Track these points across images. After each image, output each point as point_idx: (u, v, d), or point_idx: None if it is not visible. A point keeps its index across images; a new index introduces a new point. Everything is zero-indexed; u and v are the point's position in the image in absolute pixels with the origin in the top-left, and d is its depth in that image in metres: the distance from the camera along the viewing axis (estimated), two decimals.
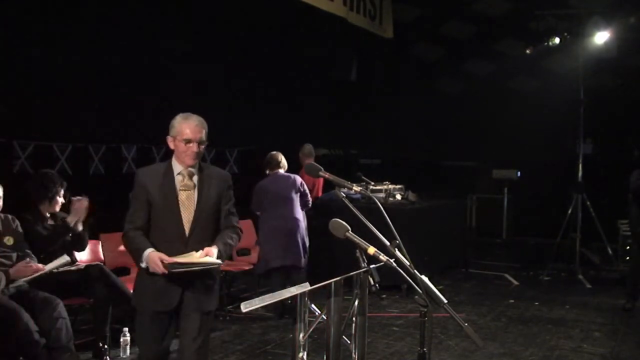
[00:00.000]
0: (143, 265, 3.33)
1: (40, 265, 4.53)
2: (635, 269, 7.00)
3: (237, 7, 8.06)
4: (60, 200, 5.06)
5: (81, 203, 5.01)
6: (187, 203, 3.41)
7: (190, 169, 3.44)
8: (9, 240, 4.55)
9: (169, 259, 3.27)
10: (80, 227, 5.08)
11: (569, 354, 5.41)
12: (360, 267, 2.64)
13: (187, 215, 3.40)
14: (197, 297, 3.46)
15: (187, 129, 3.38)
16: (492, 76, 11.27)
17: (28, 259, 4.53)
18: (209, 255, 3.36)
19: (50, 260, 4.66)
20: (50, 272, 4.60)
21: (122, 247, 5.84)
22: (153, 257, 3.28)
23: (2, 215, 4.58)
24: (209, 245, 3.41)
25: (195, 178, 3.46)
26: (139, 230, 3.40)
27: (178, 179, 3.43)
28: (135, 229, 3.40)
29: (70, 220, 4.95)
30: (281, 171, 6.55)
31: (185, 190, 3.42)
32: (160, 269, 3.25)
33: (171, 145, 3.45)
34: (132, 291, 3.61)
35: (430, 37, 10.83)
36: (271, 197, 6.40)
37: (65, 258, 4.65)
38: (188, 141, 3.37)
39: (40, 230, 4.89)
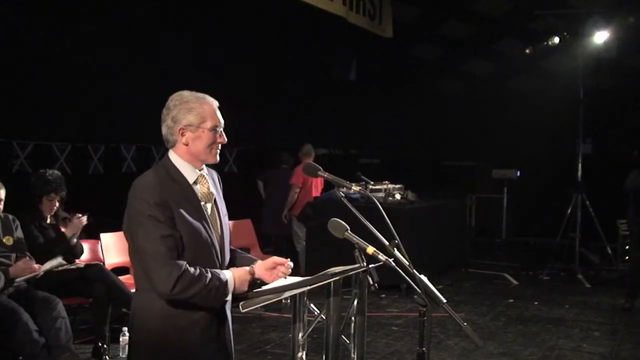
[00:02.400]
0: (230, 297, 2.38)
1: (37, 266, 4.54)
2: (635, 268, 7.00)
3: (237, 7, 8.05)
4: (56, 202, 5.08)
5: (80, 220, 5.10)
6: (212, 221, 2.46)
7: (202, 171, 2.49)
8: (8, 240, 4.55)
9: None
10: (74, 240, 5.14)
11: (568, 353, 5.41)
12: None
13: (217, 237, 2.47)
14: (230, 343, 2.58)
15: (214, 112, 2.45)
16: (492, 76, 11.27)
17: (27, 258, 4.54)
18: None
19: (44, 263, 4.66)
20: (44, 273, 4.61)
21: (121, 247, 5.98)
22: (264, 265, 2.40)
23: (2, 214, 4.58)
24: None
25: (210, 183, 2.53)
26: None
27: (197, 189, 2.44)
28: (188, 264, 2.31)
29: (68, 233, 5.03)
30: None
31: (207, 202, 2.47)
32: (276, 275, 2.40)
33: (184, 140, 2.41)
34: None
35: (430, 37, 10.82)
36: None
37: (58, 259, 4.68)
38: (216, 129, 2.45)
39: (36, 235, 4.91)
